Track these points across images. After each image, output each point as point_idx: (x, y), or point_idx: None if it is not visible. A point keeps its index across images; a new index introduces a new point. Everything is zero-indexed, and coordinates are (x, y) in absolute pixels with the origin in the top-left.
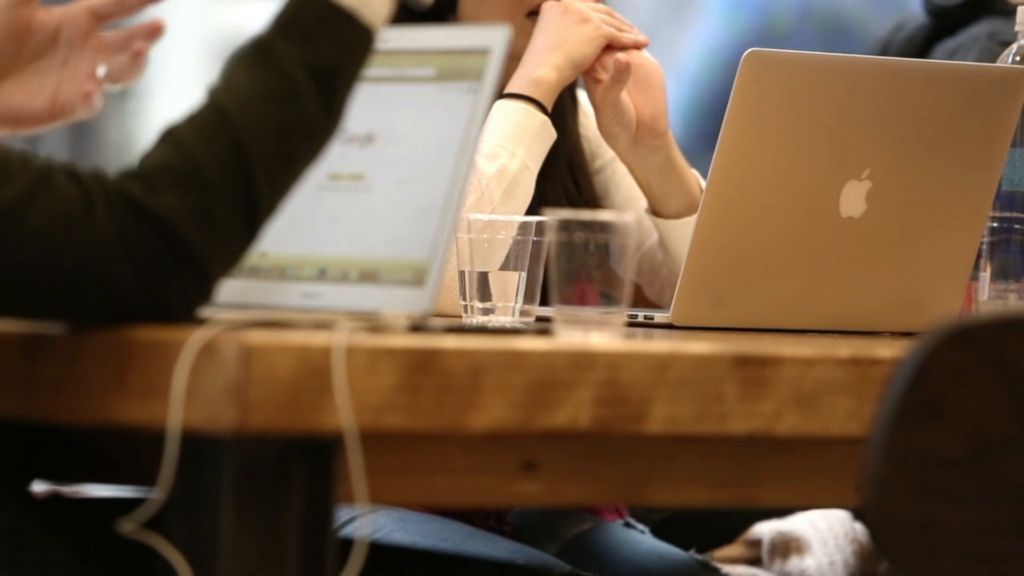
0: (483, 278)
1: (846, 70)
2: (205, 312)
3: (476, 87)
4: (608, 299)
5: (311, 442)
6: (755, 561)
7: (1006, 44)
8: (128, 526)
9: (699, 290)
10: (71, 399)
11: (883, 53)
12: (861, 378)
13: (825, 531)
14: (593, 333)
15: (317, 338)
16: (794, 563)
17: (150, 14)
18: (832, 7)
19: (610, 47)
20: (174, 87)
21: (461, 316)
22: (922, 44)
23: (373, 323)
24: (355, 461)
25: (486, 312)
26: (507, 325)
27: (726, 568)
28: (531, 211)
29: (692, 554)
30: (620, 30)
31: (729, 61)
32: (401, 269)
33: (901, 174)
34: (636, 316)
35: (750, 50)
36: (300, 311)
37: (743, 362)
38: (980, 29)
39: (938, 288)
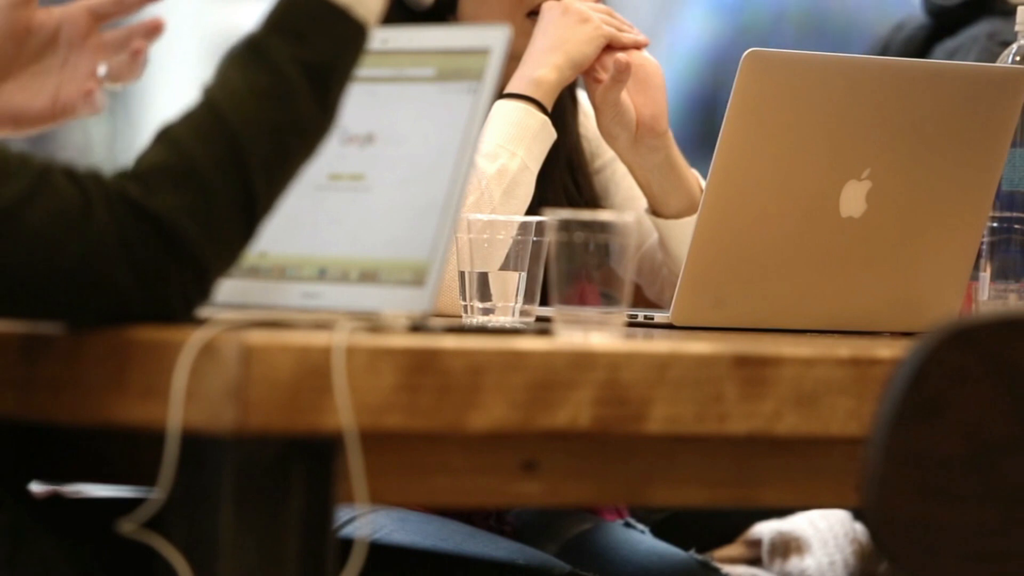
0: (483, 278)
1: (846, 70)
2: (205, 312)
3: (476, 87)
4: (608, 299)
5: (311, 442)
6: (755, 561)
7: (1006, 44)
8: (128, 526)
9: (699, 290)
10: (71, 399)
11: (883, 53)
12: (861, 378)
13: (825, 531)
14: (593, 333)
15: (317, 338)
16: (794, 563)
17: (149, 13)
18: (812, 8)
19: (610, 47)
20: (173, 87)
21: (461, 316)
22: (922, 44)
23: (373, 323)
24: (355, 461)
25: (486, 312)
26: (507, 325)
27: (726, 568)
28: (531, 211)
29: (692, 554)
30: (620, 30)
31: (709, 61)
32: (401, 269)
33: (901, 174)
34: (636, 316)
35: (750, 50)
36: (300, 311)
37: (743, 362)
38: (980, 29)
39: (938, 288)
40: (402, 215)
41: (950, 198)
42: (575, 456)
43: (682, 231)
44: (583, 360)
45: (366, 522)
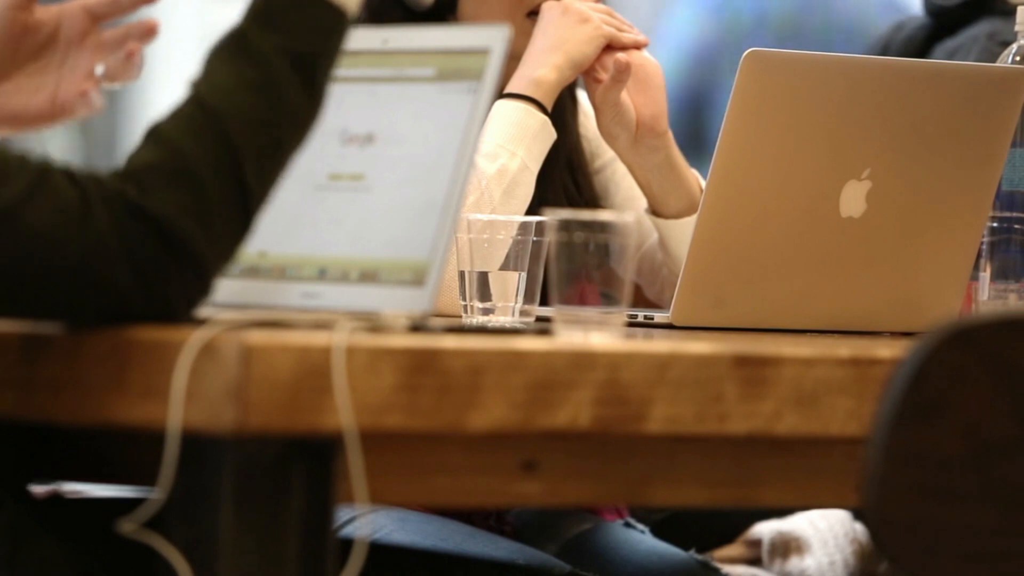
0: (483, 278)
1: (846, 70)
2: (205, 312)
3: (476, 87)
4: (608, 299)
5: (311, 442)
6: (755, 561)
7: (1006, 44)
8: (128, 526)
9: (699, 290)
10: (71, 399)
11: (883, 53)
12: (861, 378)
13: (825, 531)
14: (593, 333)
15: (317, 338)
16: (794, 563)
17: (148, 13)
18: (795, 9)
19: (610, 47)
20: (173, 86)
21: (461, 316)
22: (922, 44)
23: (373, 323)
24: (355, 461)
25: (486, 312)
26: (507, 325)
27: (726, 568)
28: (531, 211)
29: (692, 554)
30: (620, 30)
31: (694, 59)
32: (401, 269)
33: (901, 174)
34: (636, 316)
35: (750, 50)
36: (300, 311)
37: (743, 362)
38: (980, 29)
39: (938, 288)
40: (402, 215)
41: (950, 198)
42: (575, 456)
43: (682, 231)
44: (583, 360)
45: (366, 522)
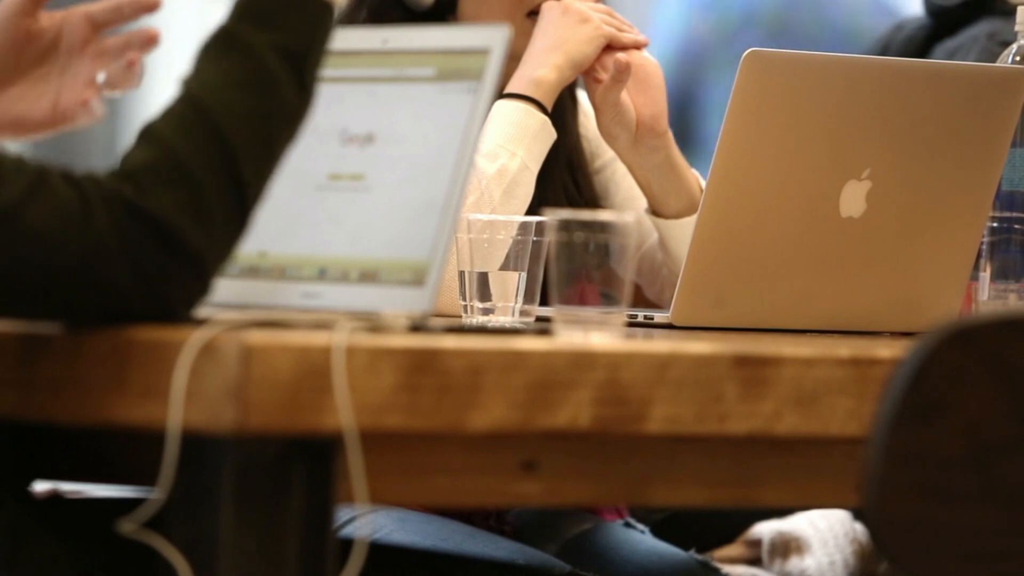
0: (483, 278)
1: (846, 70)
2: (205, 312)
3: (476, 87)
4: (608, 299)
5: (311, 442)
6: (755, 561)
7: (1006, 44)
8: (128, 526)
9: (699, 290)
10: (71, 399)
11: (883, 53)
12: (861, 378)
13: (825, 531)
14: (593, 333)
15: (317, 338)
16: (794, 563)
17: (149, 21)
18: (782, 7)
19: (610, 47)
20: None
21: (461, 316)
22: (922, 44)
23: (373, 323)
24: (355, 461)
25: (486, 312)
26: (507, 325)
27: (726, 568)
28: (531, 211)
29: (692, 554)
30: (620, 30)
31: (681, 58)
32: (401, 269)
33: (901, 174)
34: (636, 316)
35: (750, 50)
36: (300, 311)
37: (743, 362)
38: (980, 29)
39: (938, 288)
40: (402, 215)
41: (950, 198)
42: (575, 456)
43: (682, 231)
44: (583, 360)
45: (366, 522)
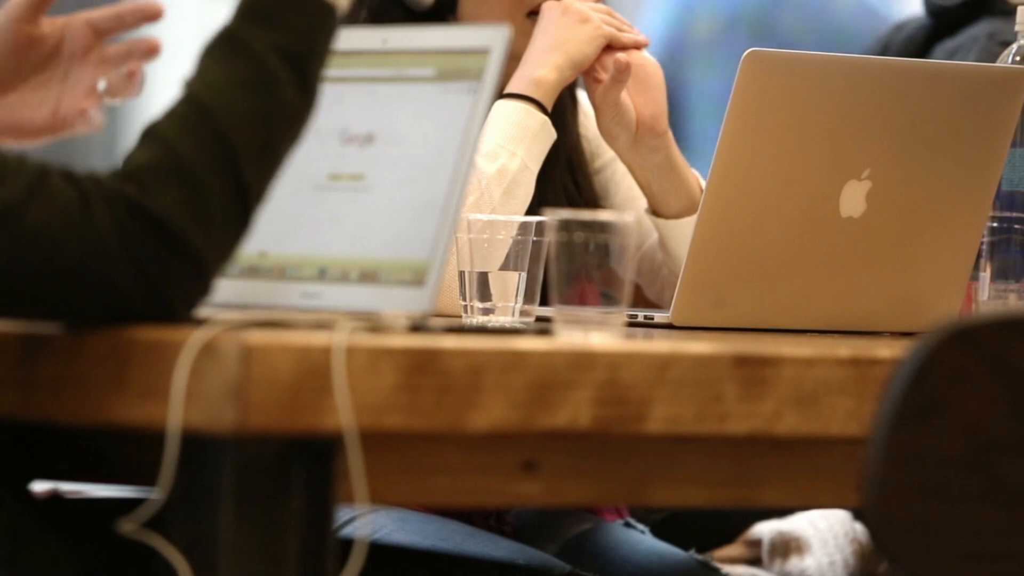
0: (483, 278)
1: (846, 70)
2: (205, 312)
3: (476, 87)
4: (608, 299)
5: (311, 442)
6: (755, 561)
7: (1006, 44)
8: (128, 526)
9: (699, 290)
10: (71, 399)
11: (883, 53)
12: (861, 378)
13: (825, 531)
14: (593, 333)
15: (317, 338)
16: (794, 563)
17: (149, 30)
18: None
19: (610, 47)
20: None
21: (461, 316)
22: (922, 44)
23: (373, 323)
24: (355, 461)
25: (486, 312)
26: (507, 325)
27: (726, 568)
28: (531, 211)
29: (692, 554)
30: (620, 30)
31: (666, 57)
32: (401, 269)
33: (901, 174)
34: (636, 316)
35: (750, 50)
36: (300, 311)
37: (743, 362)
38: (980, 29)
39: (938, 288)
40: (402, 215)
41: (950, 198)
42: (575, 456)
43: (682, 231)
44: (583, 360)
45: (366, 522)
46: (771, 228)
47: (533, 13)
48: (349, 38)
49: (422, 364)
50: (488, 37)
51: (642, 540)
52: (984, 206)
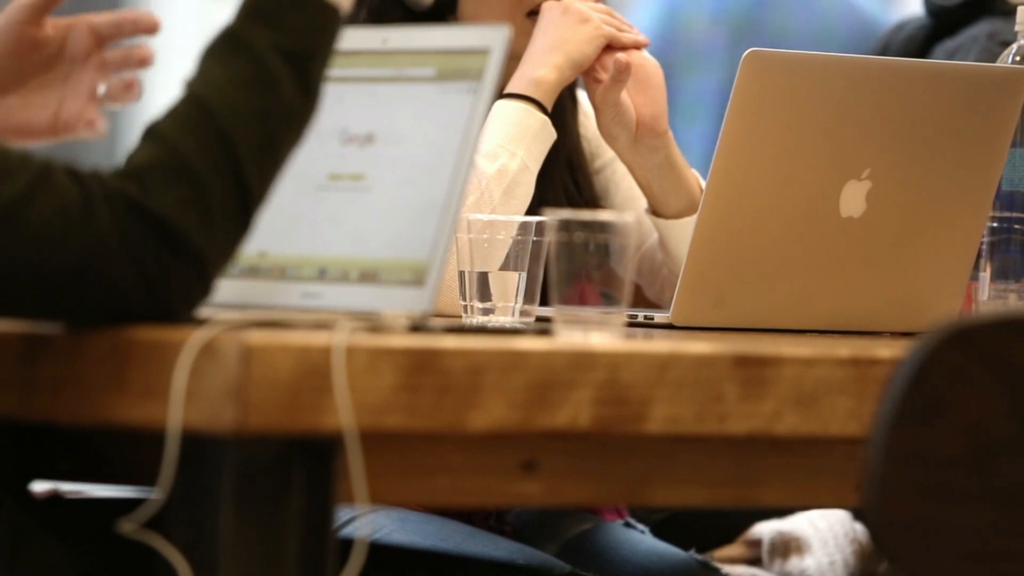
0: (483, 278)
1: (846, 70)
2: (205, 312)
3: (476, 87)
4: (608, 299)
5: (311, 442)
6: (755, 561)
7: (1006, 44)
8: (128, 526)
9: (699, 290)
10: (71, 399)
11: (883, 53)
12: (861, 378)
13: (825, 531)
14: (593, 333)
15: (317, 338)
16: (794, 563)
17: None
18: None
19: (610, 47)
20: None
21: (461, 316)
22: (922, 44)
23: (373, 323)
24: (355, 461)
25: (486, 312)
26: (507, 325)
27: (726, 568)
28: (531, 211)
29: (692, 554)
30: (620, 30)
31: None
32: (401, 269)
33: (901, 174)
34: (636, 316)
35: (750, 50)
36: (300, 311)
37: (743, 362)
38: (980, 29)
39: (938, 288)
40: (402, 215)
41: (950, 198)
42: (575, 456)
43: (682, 231)
44: (583, 360)
45: (366, 522)
46: (771, 228)
47: (533, 13)
48: (349, 38)
49: (422, 364)
50: (488, 37)
51: (642, 540)
52: (984, 206)
